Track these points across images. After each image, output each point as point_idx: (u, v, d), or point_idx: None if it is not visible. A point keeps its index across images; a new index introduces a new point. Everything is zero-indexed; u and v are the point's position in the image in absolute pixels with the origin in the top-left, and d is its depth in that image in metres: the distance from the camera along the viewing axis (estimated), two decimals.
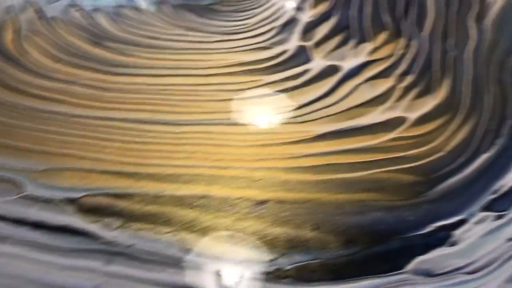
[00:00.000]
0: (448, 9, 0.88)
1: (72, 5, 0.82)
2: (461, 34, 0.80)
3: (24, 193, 0.55)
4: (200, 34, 0.74)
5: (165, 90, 0.66)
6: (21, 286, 0.48)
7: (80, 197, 0.55)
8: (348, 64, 0.69)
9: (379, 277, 0.48)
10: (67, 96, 0.66)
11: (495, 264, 0.51)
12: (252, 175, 0.56)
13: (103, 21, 0.78)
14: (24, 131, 0.63)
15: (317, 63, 0.68)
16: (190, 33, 0.74)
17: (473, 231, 0.51)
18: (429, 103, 0.64)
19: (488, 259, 0.51)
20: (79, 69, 0.69)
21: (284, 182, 0.56)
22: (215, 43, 0.72)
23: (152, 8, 0.77)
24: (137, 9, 0.79)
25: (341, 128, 0.61)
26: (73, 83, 0.68)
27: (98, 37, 0.74)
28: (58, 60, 0.71)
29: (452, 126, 0.62)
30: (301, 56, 0.70)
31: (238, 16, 0.76)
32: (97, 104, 0.65)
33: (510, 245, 0.51)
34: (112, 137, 0.61)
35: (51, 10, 0.82)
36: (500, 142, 0.61)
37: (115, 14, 0.78)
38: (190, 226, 0.53)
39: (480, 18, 0.86)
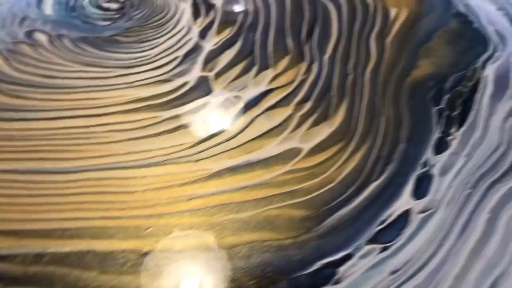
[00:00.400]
0: (351, 30, 0.88)
1: None
2: (362, 55, 0.81)
3: None
4: (99, 69, 0.71)
5: (57, 134, 0.62)
6: None
7: None
8: (247, 95, 0.68)
9: None
10: None
11: None
12: (142, 223, 0.54)
13: None
14: None
15: (217, 95, 0.67)
16: (88, 68, 0.71)
17: (358, 266, 0.51)
18: (324, 131, 0.64)
19: None
20: None
21: (174, 227, 0.54)
22: (114, 79, 0.69)
23: (51, 43, 0.73)
24: (35, 44, 0.75)
25: (237, 164, 0.60)
26: None
27: None
28: None
29: (345, 154, 0.62)
30: (201, 87, 0.68)
31: (140, 47, 0.73)
32: None
33: (392, 278, 0.52)
34: (4, 192, 0.57)
35: None
36: (390, 169, 0.62)
37: (11, 52, 0.74)
38: (72, 286, 0.50)
39: (381, 36, 0.87)
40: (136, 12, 0.89)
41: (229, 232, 0.52)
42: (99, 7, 0.91)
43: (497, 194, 0.58)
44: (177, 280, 0.48)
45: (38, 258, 0.49)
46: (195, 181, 0.58)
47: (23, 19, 0.86)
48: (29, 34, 0.82)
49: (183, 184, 0.57)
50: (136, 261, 0.49)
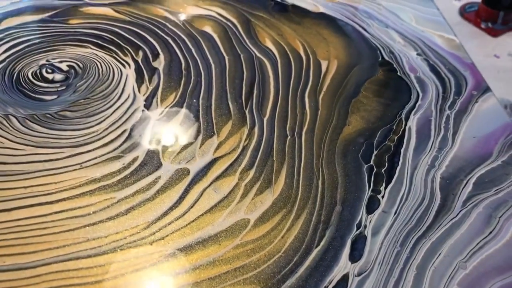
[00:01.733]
0: (287, 86, 0.94)
1: None
2: (299, 114, 0.86)
3: None
4: (49, 150, 0.72)
5: (14, 227, 0.64)
6: None
7: None
8: (195, 166, 0.72)
9: None
10: None
11: None
12: None
13: None
14: None
15: (167, 169, 0.70)
16: (40, 150, 0.72)
17: None
18: (268, 200, 0.69)
19: None
20: None
21: None
22: (65, 160, 0.71)
23: None
24: None
25: (190, 243, 0.64)
26: None
27: None
28: None
29: (288, 222, 0.67)
30: (151, 161, 0.71)
31: (88, 122, 0.75)
32: None
33: None
34: None
35: None
36: (328, 233, 0.68)
37: None
38: None
39: (315, 93, 0.92)
40: (81, 83, 0.92)
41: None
42: (44, 79, 0.93)
43: (422, 250, 0.65)
44: None
45: None
46: (151, 265, 0.62)
47: None
48: None
49: (140, 270, 0.61)
50: None
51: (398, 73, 0.94)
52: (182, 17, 1.07)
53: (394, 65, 0.96)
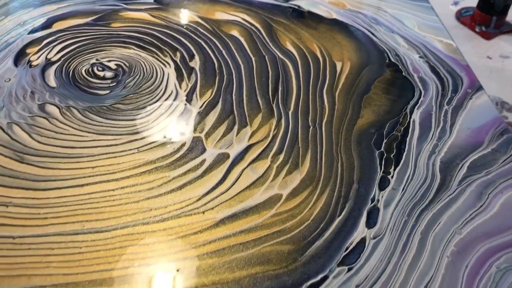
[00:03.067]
0: (307, 84, 1.07)
1: None
2: (319, 107, 0.99)
3: None
4: (109, 137, 0.84)
5: (87, 199, 0.76)
6: None
7: None
8: (233, 151, 0.84)
9: None
10: (5, 218, 0.74)
11: None
12: (172, 267, 0.70)
13: (21, 135, 0.85)
14: None
15: (210, 153, 0.82)
16: (101, 137, 0.84)
17: (332, 284, 0.69)
18: (296, 179, 0.81)
19: None
20: (11, 188, 0.76)
21: (197, 269, 0.70)
22: (123, 145, 0.82)
23: (62, 115, 0.85)
24: (49, 117, 0.86)
25: (234, 212, 0.76)
26: (7, 204, 0.75)
27: (20, 153, 0.81)
28: None
29: (314, 197, 0.80)
30: (197, 147, 0.83)
31: (139, 114, 0.86)
32: (33, 222, 0.73)
33: None
34: (54, 252, 0.71)
35: None
36: (348, 206, 0.81)
37: (30, 126, 0.85)
38: None
39: (331, 90, 1.06)
40: (129, 79, 1.05)
41: (237, 268, 0.70)
42: (96, 76, 1.06)
43: (425, 219, 0.78)
44: None
45: None
46: (204, 229, 0.75)
47: (33, 92, 1.00)
48: (41, 107, 0.96)
49: (197, 233, 0.75)
50: None
51: (403, 73, 1.07)
52: (212, 22, 1.20)
53: (400, 66, 1.09)
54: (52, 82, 1.03)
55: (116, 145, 0.88)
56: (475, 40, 1.73)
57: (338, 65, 1.09)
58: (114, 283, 0.67)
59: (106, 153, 0.87)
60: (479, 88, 1.04)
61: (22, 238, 0.72)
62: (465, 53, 1.18)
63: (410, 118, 0.96)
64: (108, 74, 1.05)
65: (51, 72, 1.05)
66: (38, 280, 0.67)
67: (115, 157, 0.86)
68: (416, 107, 0.99)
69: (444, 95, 1.02)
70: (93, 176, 0.83)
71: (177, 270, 0.69)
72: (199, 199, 0.79)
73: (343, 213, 0.78)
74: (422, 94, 1.02)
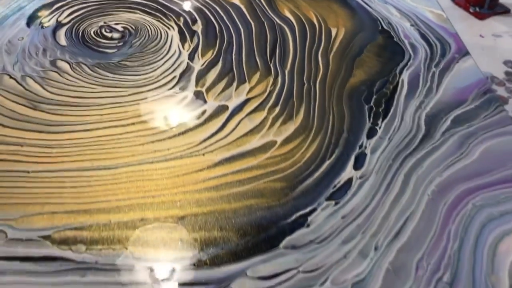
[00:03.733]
0: (303, 47, 1.12)
1: (3, 74, 0.93)
2: (313, 68, 1.04)
3: (8, 238, 0.70)
4: (116, 89, 0.89)
5: (96, 141, 0.81)
6: None
7: (52, 233, 0.71)
8: (232, 104, 0.89)
9: (263, 253, 0.71)
10: (21, 156, 0.80)
11: (334, 234, 0.76)
12: (174, 199, 0.75)
13: (34, 86, 0.91)
14: None
15: (211, 104, 0.87)
16: (109, 89, 0.89)
17: (321, 215, 0.74)
18: (291, 128, 0.86)
19: (330, 231, 0.76)
20: (25, 131, 0.81)
21: (197, 200, 0.76)
22: (130, 96, 0.88)
23: (73, 70, 0.91)
24: (60, 71, 0.92)
25: (232, 155, 0.82)
26: (22, 144, 0.81)
27: (34, 101, 0.87)
28: (4, 126, 0.84)
29: (306, 143, 0.85)
30: (198, 99, 0.89)
31: (145, 70, 0.91)
32: (47, 160, 0.79)
33: (343, 220, 0.76)
34: (65, 185, 0.76)
35: None
36: (337, 151, 0.86)
37: (42, 78, 0.91)
38: (134, 241, 0.71)
39: (326, 53, 1.11)
40: (135, 40, 1.11)
41: (233, 200, 0.76)
42: (104, 37, 1.11)
43: (409, 163, 0.84)
44: (201, 232, 0.71)
45: (107, 226, 0.71)
46: (204, 169, 0.81)
47: (45, 50, 1.05)
48: (53, 62, 1.02)
49: (197, 171, 0.80)
50: (176, 223, 0.72)
51: (395, 39, 1.13)
52: None
53: (392, 33, 1.15)
54: (62, 41, 1.08)
55: (123, 96, 0.94)
56: (469, 20, 1.77)
57: (333, 31, 1.14)
58: (120, 211, 0.73)
59: (113, 103, 0.92)
60: (466, 53, 1.10)
61: (36, 173, 0.78)
62: (458, 32, 1.23)
63: (399, 78, 1.01)
64: (116, 35, 1.11)
65: (61, 32, 1.11)
66: (51, 208, 0.73)
67: (122, 106, 0.92)
68: (406, 68, 1.04)
69: (432, 58, 1.07)
70: (101, 122, 0.89)
71: (178, 201, 0.75)
72: (200, 143, 0.85)
73: (332, 157, 0.83)
74: (412, 57, 1.07)
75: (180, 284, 0.64)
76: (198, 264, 0.67)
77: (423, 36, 1.12)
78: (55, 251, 0.67)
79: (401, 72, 1.00)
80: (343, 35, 1.08)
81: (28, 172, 0.75)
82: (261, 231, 0.71)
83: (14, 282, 0.63)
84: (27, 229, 0.69)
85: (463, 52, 1.07)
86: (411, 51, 1.06)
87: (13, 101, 0.87)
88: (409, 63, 1.03)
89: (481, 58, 1.43)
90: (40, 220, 0.70)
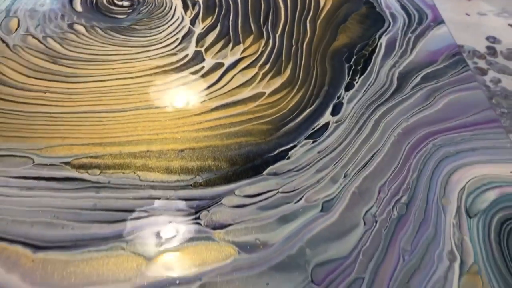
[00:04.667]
0: (294, 15, 1.22)
1: (27, 34, 1.03)
2: (301, 33, 1.14)
3: (35, 163, 0.81)
4: (126, 48, 1.00)
5: (109, 90, 0.92)
6: (52, 211, 0.75)
7: (71, 160, 0.82)
8: (228, 61, 1.00)
9: (249, 178, 0.82)
10: (44, 100, 0.91)
11: (310, 165, 0.87)
12: (175, 136, 0.86)
13: (54, 45, 1.02)
14: (20, 126, 0.87)
15: (209, 62, 0.98)
16: (119, 48, 1.00)
17: (300, 150, 0.85)
18: (278, 82, 0.97)
19: (307, 163, 0.87)
20: (47, 80, 0.92)
21: (194, 137, 0.86)
22: (138, 54, 0.98)
23: (88, 32, 1.02)
24: (76, 33, 1.03)
25: (226, 102, 0.92)
26: (45, 91, 0.92)
27: (54, 57, 0.98)
28: (30, 76, 0.94)
29: (291, 94, 0.95)
30: (198, 57, 0.99)
31: (151, 33, 1.02)
32: (67, 104, 0.90)
33: (319, 154, 0.87)
34: (83, 123, 0.87)
35: (12, 40, 1.03)
36: (318, 101, 0.97)
37: (61, 39, 1.02)
38: (141, 167, 0.83)
39: (314, 20, 1.22)
40: (143, 8, 1.22)
41: (226, 138, 0.87)
42: (115, 5, 1.22)
43: (380, 111, 0.95)
44: (197, 161, 0.82)
45: (118, 156, 0.82)
46: (204, 113, 0.92)
47: (63, 15, 1.16)
48: (70, 25, 1.13)
49: (196, 115, 0.91)
50: (176, 155, 0.83)
51: (377, 9, 1.22)
52: None
53: (374, 4, 1.24)
54: (78, 8, 1.19)
55: (132, 54, 1.05)
56: (456, 1, 1.87)
57: (322, 1, 1.24)
58: (129, 144, 0.84)
59: (124, 59, 1.04)
60: (441, 21, 1.19)
61: (57, 114, 0.90)
62: (444, 10, 1.33)
63: (378, 41, 1.11)
64: (126, 3, 1.21)
65: (78, 1, 1.22)
66: (70, 141, 0.84)
67: (131, 62, 1.03)
68: (385, 34, 1.14)
69: (409, 26, 1.17)
70: (113, 74, 1.00)
71: (178, 138, 0.87)
72: (199, 93, 0.96)
73: (313, 106, 0.94)
74: (391, 24, 1.17)
75: (179, 199, 0.75)
76: (194, 185, 0.78)
77: (403, 7, 1.21)
78: (74, 174, 0.79)
79: (380, 37, 1.10)
80: (331, 4, 1.18)
81: (50, 113, 0.86)
82: (248, 162, 0.82)
83: (41, 195, 0.74)
84: (50, 157, 0.81)
85: (438, 21, 1.17)
86: (390, 20, 1.16)
87: (36, 57, 0.98)
88: (388, 30, 1.12)
89: (465, 35, 1.54)
90: (61, 150, 0.82)
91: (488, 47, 1.73)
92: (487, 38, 1.76)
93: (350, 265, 0.66)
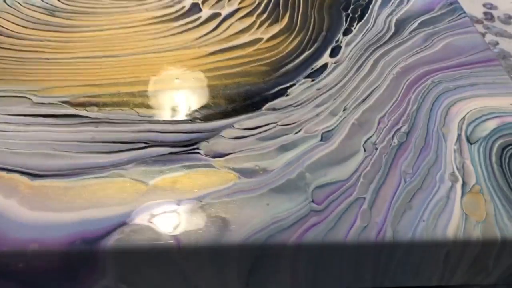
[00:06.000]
0: None
1: None
2: None
3: (34, 102, 0.79)
4: (123, 1, 0.99)
5: (106, 38, 0.91)
6: (50, 143, 0.74)
7: (70, 100, 0.80)
8: (225, 11, 0.98)
9: (248, 113, 0.80)
10: (42, 48, 0.89)
11: (309, 101, 0.85)
12: (173, 77, 0.85)
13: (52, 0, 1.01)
14: (18, 71, 0.86)
15: (206, 12, 0.97)
16: (116, 1, 0.99)
17: (299, 88, 0.83)
18: (276, 29, 0.95)
19: (306, 99, 0.85)
20: (44, 31, 0.91)
21: (193, 78, 0.85)
22: (135, 7, 0.97)
23: None
24: None
25: (225, 47, 0.91)
26: (42, 40, 0.90)
27: (52, 10, 0.96)
28: (28, 27, 0.93)
29: (289, 39, 0.94)
30: (194, 9, 0.98)
31: None
32: (64, 50, 0.88)
33: (317, 91, 0.85)
34: (80, 67, 0.86)
35: None
36: (316, 44, 0.95)
37: None
38: (139, 104, 0.81)
39: None
40: None
41: (224, 78, 0.86)
42: None
43: (378, 53, 0.93)
44: (195, 99, 0.81)
45: (116, 95, 0.81)
46: (201, 56, 0.91)
47: None
48: None
49: (193, 59, 0.90)
50: (175, 93, 0.82)
51: None
52: None
53: None
54: None
55: (128, 6, 1.04)
56: None
57: None
58: (127, 85, 0.83)
59: (121, 12, 1.02)
60: None
61: (55, 59, 0.88)
62: None
63: None
64: None
65: None
66: (68, 83, 0.83)
67: (128, 13, 1.02)
68: None
69: None
70: (110, 25, 0.98)
71: (176, 79, 0.85)
72: (195, 40, 0.94)
73: (311, 49, 0.92)
74: None
75: (176, 132, 0.74)
76: (192, 120, 0.76)
77: None
78: (72, 111, 0.77)
79: None
80: None
81: (48, 59, 0.85)
82: (247, 99, 0.80)
83: (39, 130, 0.73)
84: (48, 97, 0.79)
85: None
86: None
87: (33, 11, 0.96)
88: None
89: (463, 2, 1.53)
90: (59, 91, 0.80)
91: (485, 13, 1.71)
92: (484, 5, 1.74)
93: (350, 187, 0.64)
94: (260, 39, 0.92)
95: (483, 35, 1.61)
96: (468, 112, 0.74)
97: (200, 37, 0.95)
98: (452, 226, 0.61)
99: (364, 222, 0.62)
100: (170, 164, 0.67)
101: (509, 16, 1.63)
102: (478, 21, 1.64)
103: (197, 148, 0.72)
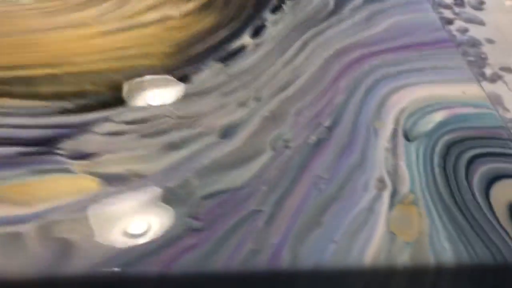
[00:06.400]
0: None
1: None
2: None
3: None
4: None
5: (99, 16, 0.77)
6: None
7: None
8: None
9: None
10: None
11: (216, 89, 0.70)
12: (53, 60, 0.70)
13: None
14: None
15: None
16: None
17: (206, 74, 0.69)
18: (191, 4, 0.82)
19: (212, 87, 0.70)
20: None
21: (77, 62, 0.71)
22: None
23: None
24: None
25: (125, 26, 0.77)
26: None
27: None
28: None
29: (204, 17, 0.80)
30: None
31: None
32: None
33: (228, 78, 0.70)
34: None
35: None
36: (235, 24, 0.80)
37: None
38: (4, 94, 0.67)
39: None
40: None
41: (117, 60, 0.70)
42: None
43: (310, 33, 0.78)
44: (73, 87, 0.65)
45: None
46: (94, 37, 0.75)
47: None
48: None
49: (84, 39, 0.74)
50: (52, 79, 0.66)
51: None
52: None
53: None
54: None
55: None
56: None
57: None
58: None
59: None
60: None
61: None
62: None
63: None
64: None
65: None
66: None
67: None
68: None
69: None
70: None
71: (58, 61, 0.69)
72: (94, 17, 0.78)
73: (229, 28, 0.77)
74: None
75: (35, 127, 0.58)
76: (61, 112, 0.61)
77: None
78: None
79: None
80: None
81: None
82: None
83: None
84: None
85: None
86: None
87: None
88: None
89: None
90: None
91: None
92: None
93: (246, 197, 0.48)
94: (169, 17, 0.76)
95: (452, 21, 1.47)
96: (410, 102, 0.59)
97: (100, 15, 0.79)
98: (372, 249, 0.45)
99: (256, 244, 0.46)
100: (17, 168, 0.51)
101: (481, 1, 1.49)
102: (447, 7, 1.50)
103: (57, 148, 0.56)
